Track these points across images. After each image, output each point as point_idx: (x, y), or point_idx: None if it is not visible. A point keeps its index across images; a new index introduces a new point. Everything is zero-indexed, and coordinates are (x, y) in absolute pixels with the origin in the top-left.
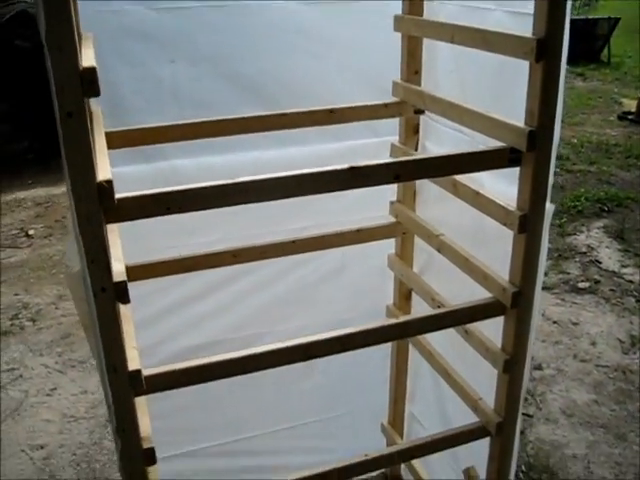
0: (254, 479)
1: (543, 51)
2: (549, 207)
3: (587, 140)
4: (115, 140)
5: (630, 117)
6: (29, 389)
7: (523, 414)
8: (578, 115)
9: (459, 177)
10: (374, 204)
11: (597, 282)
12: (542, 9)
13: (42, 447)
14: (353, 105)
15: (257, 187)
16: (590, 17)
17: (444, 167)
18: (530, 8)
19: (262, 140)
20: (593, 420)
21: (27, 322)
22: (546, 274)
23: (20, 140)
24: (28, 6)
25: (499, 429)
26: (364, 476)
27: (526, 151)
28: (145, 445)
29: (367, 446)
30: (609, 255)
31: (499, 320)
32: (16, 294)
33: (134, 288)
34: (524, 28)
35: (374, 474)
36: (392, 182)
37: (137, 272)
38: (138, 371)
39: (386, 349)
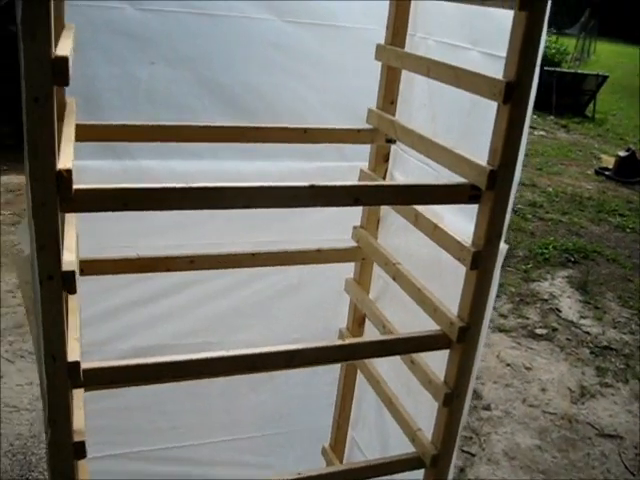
0: None
1: (511, 94)
2: (503, 247)
3: (562, 190)
4: (85, 133)
5: (607, 173)
6: None
7: (465, 452)
8: (557, 165)
9: (421, 209)
10: (338, 227)
11: (555, 330)
12: (514, 53)
13: None
14: (327, 127)
15: (217, 195)
16: (579, 72)
17: (405, 196)
18: (503, 51)
19: (231, 150)
20: (534, 465)
21: None
22: (505, 317)
23: (2, 124)
24: None
25: (434, 461)
26: None
27: (485, 189)
28: (76, 438)
29: (304, 466)
30: (569, 305)
31: (445, 353)
32: None
33: (88, 283)
34: (496, 70)
35: None
36: (351, 205)
37: (92, 267)
38: (77, 363)
39: (335, 373)
